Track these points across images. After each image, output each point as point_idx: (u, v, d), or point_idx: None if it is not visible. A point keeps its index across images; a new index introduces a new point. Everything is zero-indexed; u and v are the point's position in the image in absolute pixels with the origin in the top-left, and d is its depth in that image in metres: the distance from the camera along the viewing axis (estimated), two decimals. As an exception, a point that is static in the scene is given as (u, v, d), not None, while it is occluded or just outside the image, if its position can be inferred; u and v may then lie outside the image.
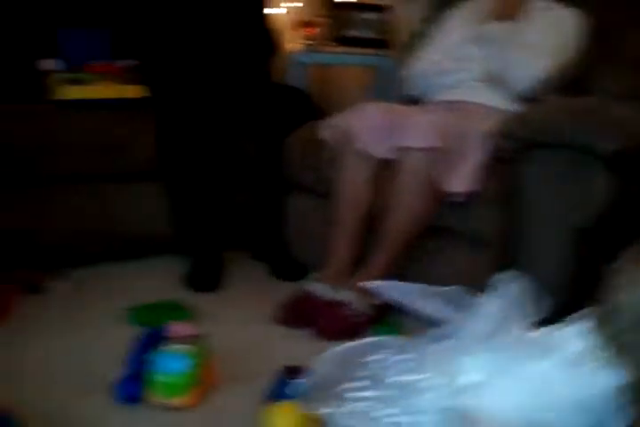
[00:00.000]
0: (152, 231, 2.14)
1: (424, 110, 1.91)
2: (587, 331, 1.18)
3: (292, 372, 1.43)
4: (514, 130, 1.71)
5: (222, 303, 1.93)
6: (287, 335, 1.76)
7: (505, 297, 1.29)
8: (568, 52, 2.00)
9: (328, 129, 1.95)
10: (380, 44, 2.99)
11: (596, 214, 1.60)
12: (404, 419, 1.19)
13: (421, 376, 1.23)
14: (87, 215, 2.09)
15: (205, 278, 2.04)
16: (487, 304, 1.29)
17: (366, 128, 1.80)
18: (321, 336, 1.72)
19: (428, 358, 1.27)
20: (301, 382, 1.37)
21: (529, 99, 1.97)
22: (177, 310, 1.82)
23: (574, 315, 1.25)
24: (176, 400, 1.39)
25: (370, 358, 1.31)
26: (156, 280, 2.05)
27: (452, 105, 2.01)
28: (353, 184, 1.84)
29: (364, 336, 1.65)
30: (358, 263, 1.83)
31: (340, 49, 3.00)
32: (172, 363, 1.38)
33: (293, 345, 1.70)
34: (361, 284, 1.73)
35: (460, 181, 1.74)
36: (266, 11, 2.51)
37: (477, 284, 1.46)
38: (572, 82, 2.01)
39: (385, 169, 1.82)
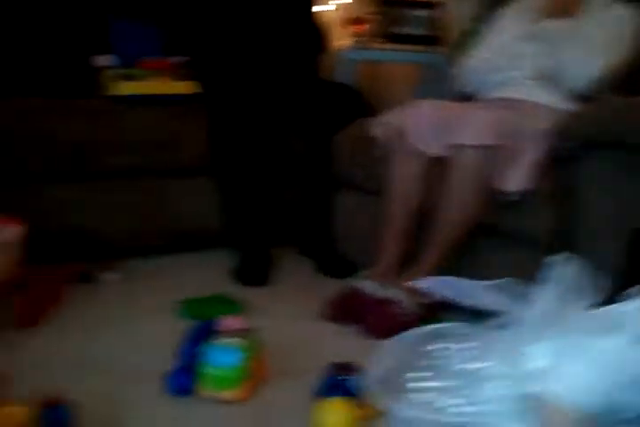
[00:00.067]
0: (203, 226, 2.17)
1: (477, 108, 1.89)
2: None
3: (341, 368, 1.43)
4: (570, 129, 1.68)
5: (270, 298, 1.94)
6: (335, 332, 1.76)
7: (562, 281, 1.27)
8: (624, 51, 1.97)
9: (379, 126, 1.94)
10: (429, 41, 2.97)
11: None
12: (469, 409, 1.18)
13: (486, 364, 1.21)
14: (141, 209, 2.12)
15: (254, 273, 2.06)
16: (545, 290, 1.26)
17: (419, 125, 1.79)
18: (369, 334, 1.72)
19: (492, 346, 1.26)
20: (356, 378, 1.37)
21: (582, 97, 1.94)
22: (227, 304, 1.83)
23: (632, 290, 1.21)
24: (227, 394, 1.40)
25: (432, 347, 1.30)
26: (206, 274, 2.07)
27: (504, 103, 1.99)
28: (404, 182, 1.83)
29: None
30: (408, 261, 1.82)
31: (389, 46, 2.99)
32: (223, 356, 1.40)
33: (341, 342, 1.70)
34: (411, 282, 1.72)
35: (514, 179, 1.72)
36: (315, 8, 2.52)
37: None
38: (625, 81, 1.97)
39: (436, 166, 1.81)
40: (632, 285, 1.44)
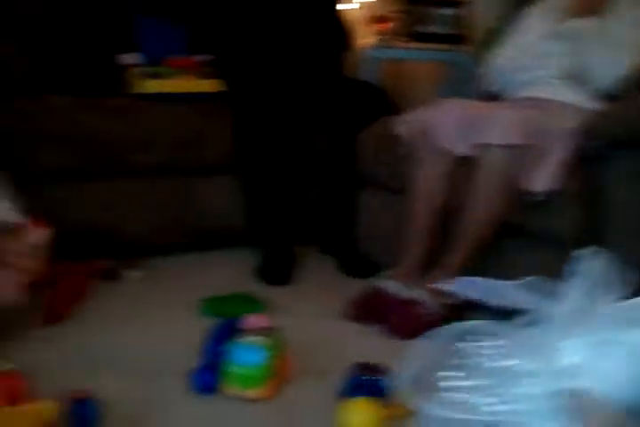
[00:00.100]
0: (227, 224, 2.17)
1: (503, 107, 1.88)
2: None
3: (365, 369, 1.43)
4: (597, 128, 1.67)
5: (293, 297, 1.94)
6: (358, 331, 1.76)
7: (589, 275, 1.25)
8: None
9: (404, 125, 1.93)
10: (454, 39, 2.95)
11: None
12: (501, 408, 1.17)
13: (517, 362, 1.20)
14: (165, 207, 2.13)
15: (277, 272, 2.06)
16: (573, 285, 1.25)
17: (446, 124, 1.78)
18: (392, 334, 1.72)
19: (523, 344, 1.24)
20: (380, 378, 1.37)
21: (609, 96, 1.92)
22: (249, 303, 1.84)
23: None
24: (251, 392, 1.40)
25: (462, 346, 1.29)
26: (230, 272, 2.08)
27: (530, 102, 1.98)
28: (429, 181, 1.82)
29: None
30: (432, 262, 1.81)
31: (413, 44, 2.97)
32: (247, 355, 1.40)
33: (364, 342, 1.70)
34: (435, 283, 1.71)
35: (541, 179, 1.71)
36: (339, 6, 2.51)
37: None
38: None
39: (461, 166, 1.80)
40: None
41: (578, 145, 1.74)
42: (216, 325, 1.51)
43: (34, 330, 1.64)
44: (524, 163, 1.71)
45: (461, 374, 1.24)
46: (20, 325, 1.62)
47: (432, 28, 3.02)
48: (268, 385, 1.41)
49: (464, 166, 1.78)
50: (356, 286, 1.91)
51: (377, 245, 2.11)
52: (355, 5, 3.00)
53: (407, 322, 1.72)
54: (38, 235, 1.62)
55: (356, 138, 2.12)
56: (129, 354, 1.59)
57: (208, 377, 1.43)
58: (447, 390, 1.23)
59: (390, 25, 2.98)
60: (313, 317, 1.81)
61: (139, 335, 1.67)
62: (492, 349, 1.27)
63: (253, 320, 1.49)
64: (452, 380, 1.24)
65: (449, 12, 3.01)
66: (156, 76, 2.19)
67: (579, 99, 1.97)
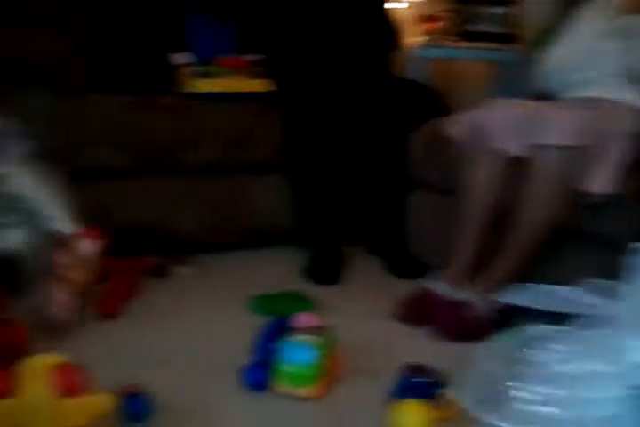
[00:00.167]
0: (276, 223, 2.19)
1: (558, 107, 1.85)
2: None
3: (415, 370, 1.42)
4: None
5: (341, 296, 1.94)
6: (406, 332, 1.75)
7: None
8: None
9: (455, 125, 1.91)
10: (503, 38, 2.91)
11: None
12: (576, 414, 1.14)
13: (588, 365, 1.17)
14: (215, 206, 2.16)
15: (325, 271, 2.06)
16: (634, 283, 1.22)
17: (500, 125, 1.75)
18: (440, 336, 1.71)
19: (590, 346, 1.21)
20: (430, 380, 1.35)
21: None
22: (299, 301, 1.84)
23: None
24: (302, 391, 1.40)
25: (528, 353, 1.27)
26: (278, 271, 2.09)
27: (585, 102, 1.93)
28: (481, 182, 1.80)
29: (486, 340, 1.63)
30: (483, 264, 1.79)
31: (462, 43, 2.95)
32: (298, 353, 1.40)
33: (413, 343, 1.69)
34: (486, 286, 1.70)
35: (599, 181, 1.67)
36: (388, 5, 2.50)
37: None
38: None
39: (514, 167, 1.77)
40: None
41: (635, 146, 1.70)
42: (267, 322, 1.52)
43: (87, 325, 1.67)
44: (580, 164, 1.68)
45: (530, 382, 1.21)
46: (75, 320, 1.65)
47: (482, 27, 2.99)
48: (319, 384, 1.41)
49: (517, 167, 1.75)
50: (404, 287, 1.90)
51: (426, 247, 2.09)
52: (404, 5, 2.98)
53: (455, 324, 1.71)
54: (90, 246, 1.65)
55: (406, 138, 2.11)
56: (180, 350, 1.61)
57: (259, 374, 1.43)
58: (517, 401, 1.20)
59: (439, 24, 2.96)
60: (361, 317, 1.81)
61: (189, 331, 1.70)
62: (558, 354, 1.25)
63: (304, 319, 1.49)
64: (521, 390, 1.21)
65: (499, 10, 2.98)
66: (206, 75, 2.21)
67: (635, 98, 1.92)
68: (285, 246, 2.21)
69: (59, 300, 1.60)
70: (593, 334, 1.25)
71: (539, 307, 1.42)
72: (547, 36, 2.27)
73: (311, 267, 2.08)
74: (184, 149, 2.10)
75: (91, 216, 1.70)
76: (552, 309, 1.35)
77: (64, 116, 1.99)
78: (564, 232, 1.74)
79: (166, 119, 2.10)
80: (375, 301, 1.90)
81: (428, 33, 2.94)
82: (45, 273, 1.62)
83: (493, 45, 2.90)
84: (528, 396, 1.19)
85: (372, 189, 2.18)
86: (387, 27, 2.49)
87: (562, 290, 1.32)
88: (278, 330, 1.47)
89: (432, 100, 2.26)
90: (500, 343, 1.32)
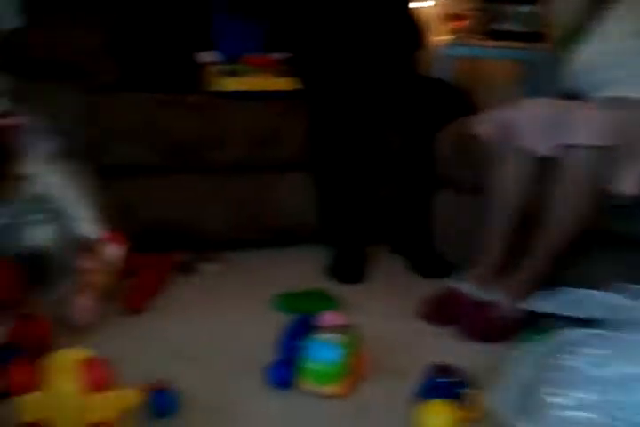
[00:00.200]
0: (301, 221, 2.19)
1: (588, 107, 1.83)
2: None
3: (441, 370, 1.41)
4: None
5: (365, 295, 1.94)
6: (431, 332, 1.75)
7: None
8: None
9: (483, 124, 1.90)
10: (530, 37, 2.89)
11: None
12: (611, 417, 1.12)
13: (627, 369, 1.15)
14: (241, 203, 2.17)
15: (349, 270, 2.06)
16: None
17: (528, 124, 1.74)
18: (465, 336, 1.70)
19: (625, 350, 1.19)
20: (456, 380, 1.35)
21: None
22: (323, 299, 1.85)
23: None
24: (327, 389, 1.41)
25: (563, 357, 1.25)
26: (301, 269, 2.09)
27: (615, 102, 1.91)
28: (510, 182, 1.78)
29: (512, 341, 1.62)
30: (509, 265, 1.78)
31: (488, 42, 2.92)
32: (324, 351, 1.41)
33: (438, 342, 1.69)
34: (513, 287, 1.68)
35: (628, 182, 1.65)
36: (414, 4, 2.49)
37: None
38: None
39: (543, 167, 1.76)
40: None
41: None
42: (292, 320, 1.52)
43: (113, 319, 1.69)
44: (609, 164, 1.66)
45: (565, 387, 1.19)
46: (102, 314, 1.66)
47: (508, 26, 2.97)
48: (344, 382, 1.42)
49: (546, 167, 1.74)
50: (429, 287, 1.90)
51: (452, 246, 2.08)
52: (430, 3, 2.97)
53: (480, 325, 1.70)
54: (115, 251, 1.66)
55: (432, 137, 2.09)
56: (205, 346, 1.62)
57: (284, 372, 1.44)
58: (552, 406, 1.18)
59: (465, 23, 2.94)
60: (385, 316, 1.81)
61: (214, 328, 1.71)
62: (593, 358, 1.22)
63: (329, 317, 1.49)
64: (556, 395, 1.19)
65: (525, 9, 2.95)
66: (233, 73, 2.21)
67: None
68: (310, 245, 2.20)
69: (80, 304, 1.62)
70: (627, 337, 1.23)
71: (572, 314, 1.40)
72: (575, 35, 2.25)
73: (335, 265, 2.08)
74: (211, 147, 2.11)
75: (117, 214, 1.72)
76: (586, 315, 1.33)
77: (93, 113, 2.02)
78: (593, 233, 1.73)
79: (193, 117, 2.11)
80: (399, 300, 1.90)
81: (453, 32, 2.92)
82: (70, 272, 1.63)
83: (520, 44, 2.87)
84: (563, 401, 1.17)
85: (396, 188, 2.17)
86: (412, 25, 2.49)
87: (594, 295, 1.29)
88: (303, 328, 1.48)
89: (459, 99, 2.24)
90: (534, 348, 1.30)
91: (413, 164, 2.15)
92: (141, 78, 2.23)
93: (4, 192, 1.59)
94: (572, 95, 2.12)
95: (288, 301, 1.84)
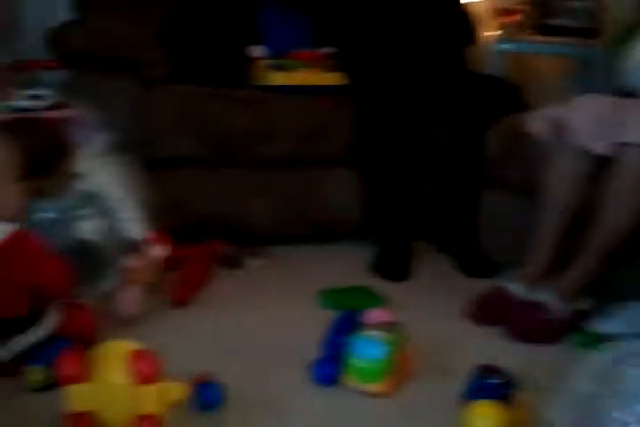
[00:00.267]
0: (346, 217, 2.18)
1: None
2: None
3: (488, 371, 1.39)
4: None
5: (410, 293, 1.93)
6: (477, 332, 1.72)
7: None
8: None
9: (536, 121, 1.86)
10: (583, 33, 2.83)
11: None
12: None
13: None
14: (288, 198, 2.17)
15: (394, 267, 2.05)
16: None
17: (584, 122, 1.70)
18: (512, 337, 1.67)
19: None
20: (504, 381, 1.32)
21: None
22: (368, 296, 1.84)
23: None
24: (372, 386, 1.39)
25: (626, 368, 1.21)
26: (346, 265, 2.09)
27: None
28: (563, 180, 1.75)
29: (561, 343, 1.59)
30: (559, 265, 1.75)
31: (540, 38, 2.87)
32: (369, 349, 1.39)
33: (485, 343, 1.66)
34: (563, 287, 1.65)
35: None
36: (464, -1, 2.46)
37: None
38: None
39: (598, 165, 1.72)
40: None
41: None
42: (338, 317, 1.51)
43: (159, 312, 1.71)
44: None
45: (628, 401, 1.14)
46: (148, 307, 1.68)
47: (560, 22, 2.91)
48: (389, 380, 1.40)
49: (601, 166, 1.70)
50: (475, 286, 1.88)
51: (499, 246, 2.05)
52: (480, -2, 2.93)
53: (527, 325, 1.67)
54: (160, 252, 1.69)
55: (482, 134, 2.06)
56: (250, 341, 1.62)
57: (329, 369, 1.43)
58: (614, 421, 1.13)
59: (516, 18, 2.89)
60: (431, 314, 1.78)
61: (259, 323, 1.71)
62: None
63: (375, 314, 1.48)
64: (618, 409, 1.14)
65: (579, 4, 2.89)
66: (281, 68, 2.21)
67: None
68: (355, 241, 2.20)
69: (126, 297, 1.65)
70: None
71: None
72: (631, 31, 2.19)
73: (380, 262, 2.07)
74: (259, 141, 2.11)
75: (165, 206, 1.73)
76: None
77: (145, 106, 2.04)
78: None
79: (242, 112, 2.12)
80: (444, 299, 1.88)
81: (504, 27, 2.87)
82: (117, 267, 1.66)
83: (570, 40, 2.81)
84: (625, 416, 1.13)
85: (444, 185, 2.15)
86: (462, 20, 2.45)
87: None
88: (348, 325, 1.47)
89: (510, 96, 2.21)
90: (595, 360, 1.25)
91: (462, 161, 2.12)
92: (192, 72, 2.25)
93: (55, 189, 1.62)
94: (628, 93, 2.07)
95: (333, 297, 1.83)
